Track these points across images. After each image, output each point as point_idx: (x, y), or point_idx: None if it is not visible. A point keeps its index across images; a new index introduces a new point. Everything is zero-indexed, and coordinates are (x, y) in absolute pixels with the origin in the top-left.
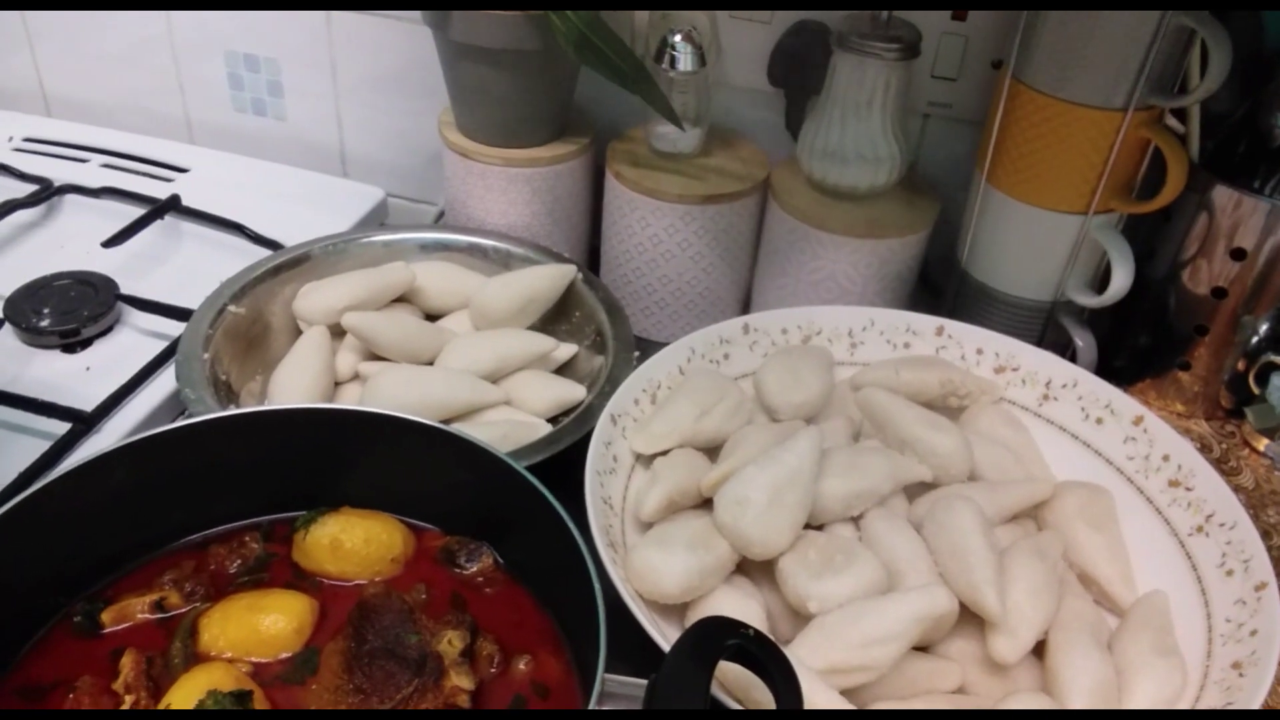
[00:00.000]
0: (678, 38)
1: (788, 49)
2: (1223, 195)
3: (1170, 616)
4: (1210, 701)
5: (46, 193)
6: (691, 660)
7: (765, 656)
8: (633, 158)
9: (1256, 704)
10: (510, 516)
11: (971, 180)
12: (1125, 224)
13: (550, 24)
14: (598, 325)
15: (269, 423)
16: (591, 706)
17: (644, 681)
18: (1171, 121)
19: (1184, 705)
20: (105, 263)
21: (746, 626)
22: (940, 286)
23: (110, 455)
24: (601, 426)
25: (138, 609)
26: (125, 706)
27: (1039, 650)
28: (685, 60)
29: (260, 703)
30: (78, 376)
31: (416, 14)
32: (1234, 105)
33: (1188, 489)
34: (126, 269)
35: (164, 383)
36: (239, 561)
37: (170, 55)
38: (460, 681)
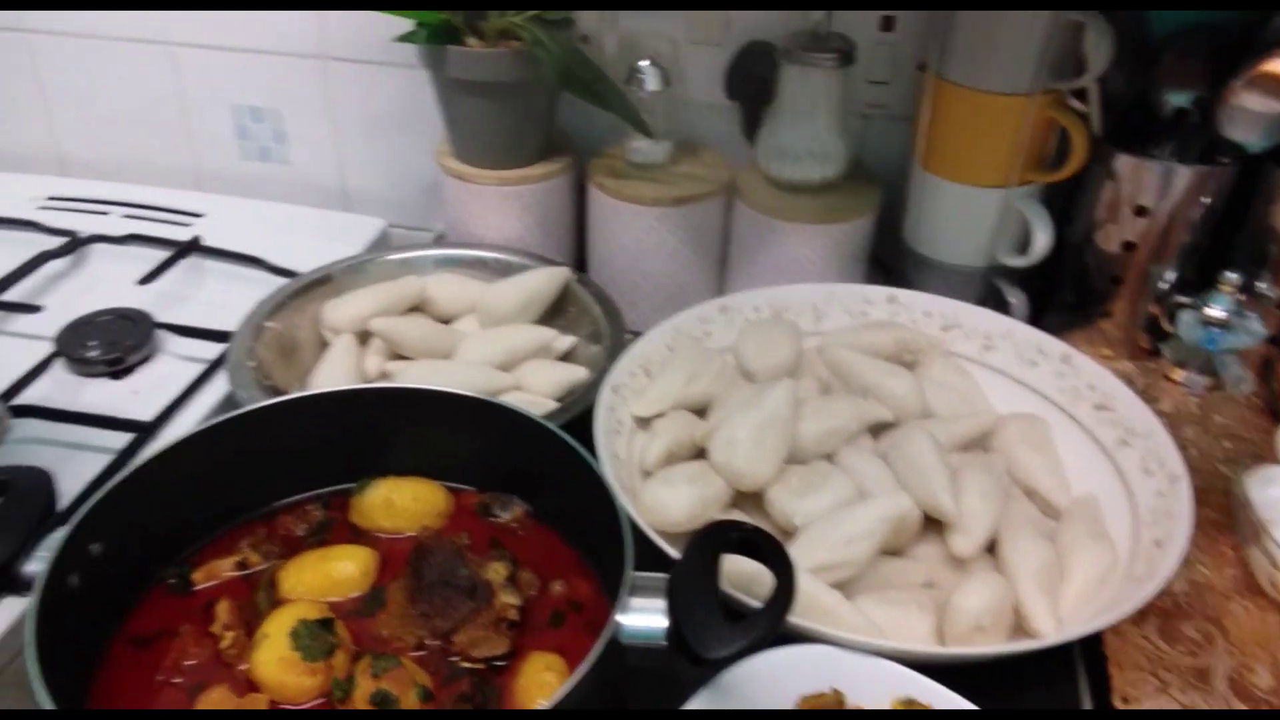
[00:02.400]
0: (644, 63)
1: (740, 66)
2: (1124, 163)
3: (1100, 511)
4: (1138, 571)
5: (75, 243)
6: (702, 552)
7: (762, 544)
8: (612, 170)
9: (1171, 566)
10: (537, 470)
11: (909, 167)
12: (1044, 194)
13: (536, 57)
14: (593, 318)
15: (322, 404)
16: (622, 595)
17: (664, 575)
18: (1076, 103)
19: (1117, 576)
20: (138, 300)
21: (747, 524)
22: (889, 262)
23: (191, 439)
24: (604, 395)
25: (223, 569)
26: (225, 643)
27: (993, 551)
28: (652, 81)
29: (341, 630)
30: (127, 399)
31: (406, 58)
32: (1129, 86)
33: (1110, 410)
34: (159, 305)
35: (210, 395)
36: (305, 526)
37: (179, 111)
38: (509, 599)
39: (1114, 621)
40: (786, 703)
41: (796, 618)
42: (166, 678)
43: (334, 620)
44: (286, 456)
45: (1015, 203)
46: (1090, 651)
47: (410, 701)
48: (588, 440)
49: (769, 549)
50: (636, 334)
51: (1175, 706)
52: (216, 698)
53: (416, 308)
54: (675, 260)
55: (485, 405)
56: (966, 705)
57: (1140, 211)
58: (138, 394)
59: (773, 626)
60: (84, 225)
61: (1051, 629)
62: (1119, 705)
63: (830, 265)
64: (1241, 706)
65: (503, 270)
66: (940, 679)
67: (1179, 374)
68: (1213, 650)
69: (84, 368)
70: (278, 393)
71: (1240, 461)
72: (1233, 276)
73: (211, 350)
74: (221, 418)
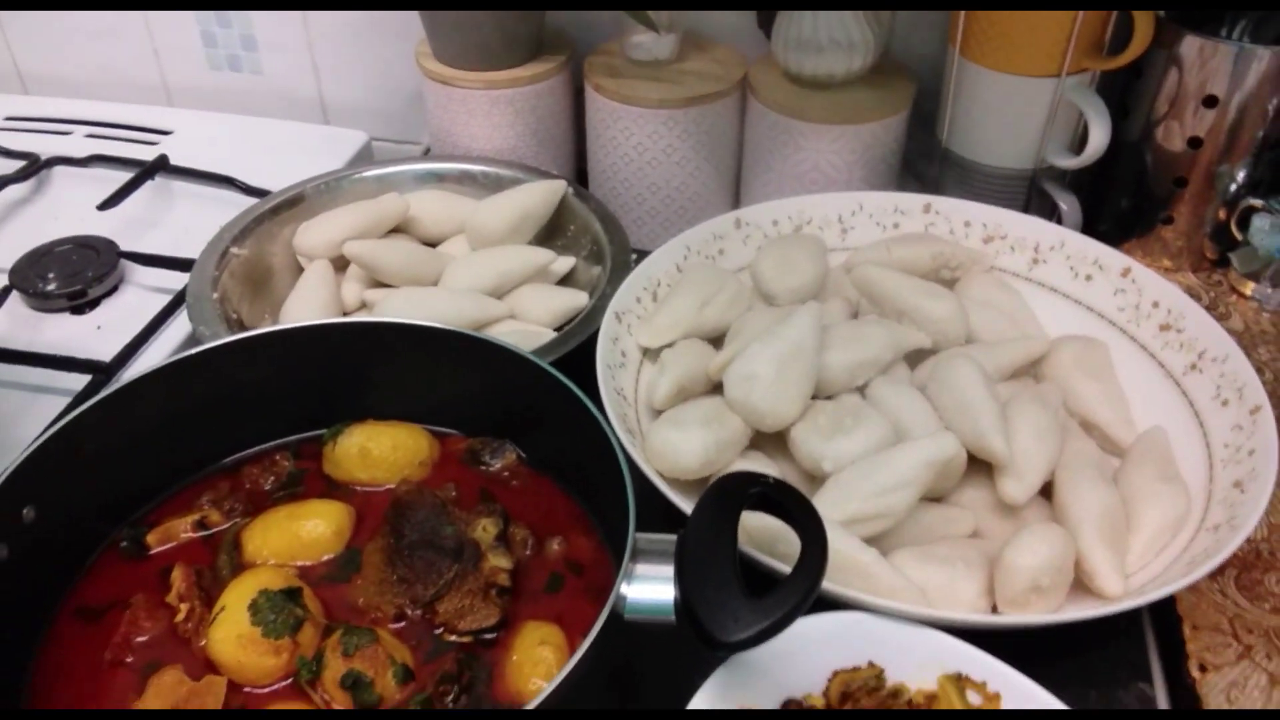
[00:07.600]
0: None
1: None
2: (1191, 45)
3: (1170, 449)
4: (1215, 518)
5: (35, 167)
6: (717, 510)
7: (787, 500)
8: (611, 69)
9: (1258, 514)
10: (531, 413)
11: (946, 57)
12: (1099, 84)
13: None
14: (593, 235)
15: (289, 340)
16: (625, 561)
17: (673, 536)
18: None
19: (1190, 525)
20: (102, 227)
21: (766, 476)
22: (924, 167)
23: (137, 383)
24: (607, 323)
25: (181, 529)
26: (180, 616)
27: (1046, 493)
28: None
29: (310, 599)
30: (90, 336)
31: None
32: None
33: (1178, 331)
34: (124, 231)
35: (176, 331)
36: (273, 479)
37: (142, 21)
38: (498, 562)
39: (1191, 583)
40: (818, 678)
41: (827, 581)
42: (116, 656)
43: (301, 589)
44: (251, 401)
45: (1067, 94)
46: (1160, 608)
47: (386, 683)
48: (591, 374)
49: (795, 506)
50: (643, 253)
51: (1261, 675)
52: (169, 680)
53: (399, 229)
54: (684, 169)
55: (470, 340)
56: (1023, 681)
57: (1209, 102)
58: (101, 330)
59: (800, 602)
60: (45, 146)
61: (1119, 589)
62: (1195, 674)
63: (857, 172)
64: None
65: (493, 185)
66: (990, 641)
67: (1250, 287)
68: None
69: (42, 302)
70: (244, 328)
71: None
72: None
73: (181, 281)
74: (174, 358)
